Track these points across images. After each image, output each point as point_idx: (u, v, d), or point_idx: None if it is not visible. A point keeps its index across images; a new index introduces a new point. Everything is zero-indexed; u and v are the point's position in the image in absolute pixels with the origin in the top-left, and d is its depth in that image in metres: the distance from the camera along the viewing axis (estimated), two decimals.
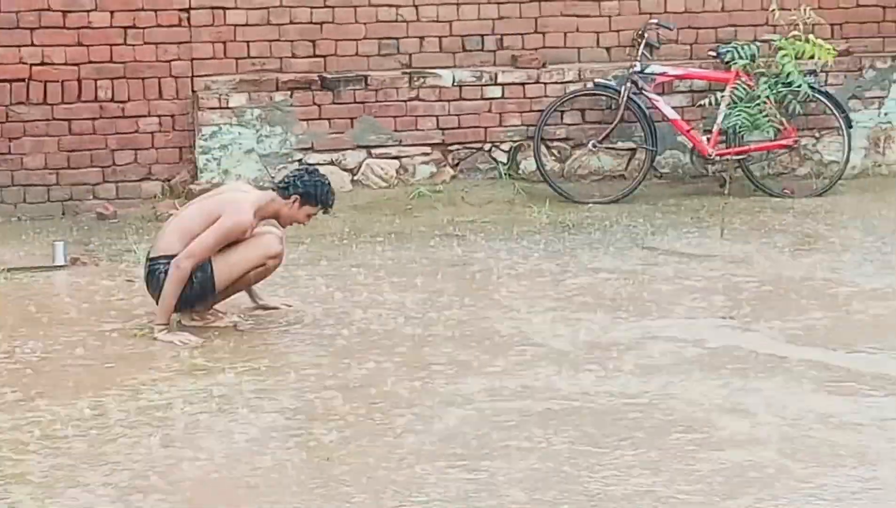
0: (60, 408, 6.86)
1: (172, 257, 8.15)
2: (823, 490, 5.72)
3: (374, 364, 7.56)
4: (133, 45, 11.53)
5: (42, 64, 11.37)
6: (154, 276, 8.24)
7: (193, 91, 11.63)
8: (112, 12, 11.45)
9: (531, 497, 5.67)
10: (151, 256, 8.34)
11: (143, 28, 11.50)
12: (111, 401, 6.98)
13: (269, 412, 6.79)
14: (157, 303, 8.27)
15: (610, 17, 12.31)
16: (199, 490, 5.95)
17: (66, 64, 11.42)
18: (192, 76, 11.65)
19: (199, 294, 8.28)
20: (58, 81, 11.42)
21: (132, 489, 5.84)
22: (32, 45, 11.34)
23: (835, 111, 12.10)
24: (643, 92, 11.85)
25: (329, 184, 8.54)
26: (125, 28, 11.50)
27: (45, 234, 10.70)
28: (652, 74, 11.88)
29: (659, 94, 11.95)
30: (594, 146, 12.04)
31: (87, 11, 11.41)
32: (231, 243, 8.22)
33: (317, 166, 8.63)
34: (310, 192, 8.36)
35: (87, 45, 11.44)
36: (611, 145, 12.10)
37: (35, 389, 7.18)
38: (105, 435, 6.48)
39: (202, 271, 8.18)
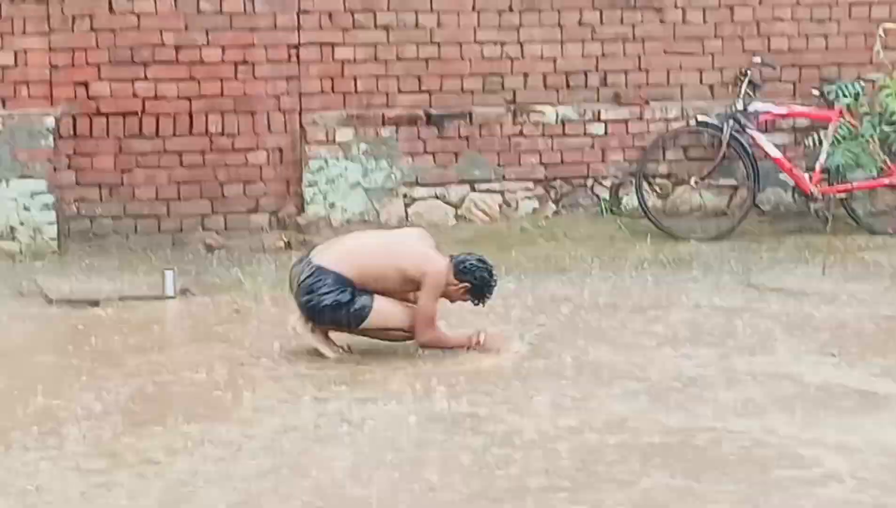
0: (169, 433, 6.98)
1: (336, 274, 8.21)
2: None
3: (478, 398, 7.62)
4: (243, 80, 11.60)
5: (155, 98, 11.48)
6: (317, 283, 8.24)
7: (301, 125, 11.71)
8: (223, 48, 11.54)
9: None
10: (317, 263, 8.31)
11: (254, 63, 11.58)
12: (220, 426, 7.09)
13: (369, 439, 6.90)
14: (296, 302, 8.36)
15: (713, 54, 12.29)
16: None
17: (178, 98, 11.52)
18: (301, 110, 11.73)
19: (346, 322, 8.33)
20: (170, 115, 11.51)
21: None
22: (146, 79, 11.44)
23: None
24: (746, 130, 11.82)
25: (495, 286, 8.60)
26: (236, 63, 11.58)
27: (156, 264, 10.73)
28: (755, 111, 11.86)
29: (761, 131, 11.90)
30: (696, 183, 12.05)
31: (199, 47, 11.49)
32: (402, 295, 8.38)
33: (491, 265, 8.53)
34: (481, 288, 8.45)
35: (199, 80, 11.53)
36: (713, 182, 12.09)
37: (146, 415, 7.30)
38: (213, 458, 6.59)
39: (363, 306, 8.25)
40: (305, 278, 8.28)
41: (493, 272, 8.51)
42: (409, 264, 8.33)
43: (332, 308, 8.24)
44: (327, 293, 8.23)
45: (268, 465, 6.60)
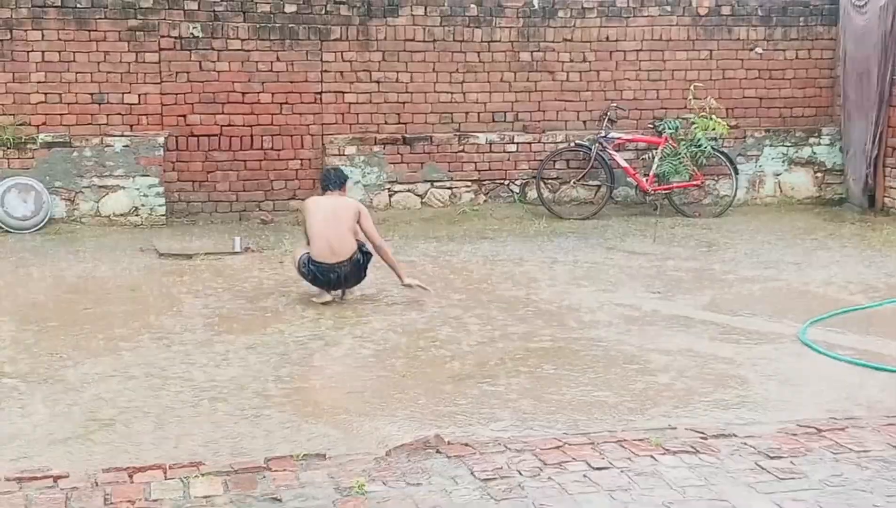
0: (232, 342, 7.07)
1: (350, 257, 7.98)
2: (715, 402, 5.96)
3: (432, 315, 7.71)
4: (286, 115, 11.69)
5: (228, 125, 11.55)
6: (357, 267, 8.07)
7: (323, 144, 11.79)
8: (272, 93, 11.62)
9: (531, 404, 5.91)
10: (339, 260, 7.97)
11: (293, 103, 11.67)
12: (266, 337, 7.18)
13: (369, 348, 7.01)
14: (338, 287, 8.09)
15: (585, 101, 12.42)
16: (320, 394, 6.21)
17: (243, 125, 11.60)
18: (322, 134, 11.81)
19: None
20: (238, 137, 11.60)
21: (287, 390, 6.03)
22: (223, 113, 11.52)
23: (728, 163, 12.22)
24: (606, 149, 11.98)
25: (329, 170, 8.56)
26: (281, 104, 11.67)
27: (228, 232, 10.81)
28: (612, 137, 12.00)
29: (616, 150, 12.05)
30: (574, 183, 12.19)
31: (257, 92, 11.59)
32: None
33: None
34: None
35: (257, 114, 11.61)
36: (585, 183, 12.22)
37: (219, 330, 7.38)
38: (261, 359, 6.66)
39: (369, 258, 8.16)
40: (347, 274, 8.06)
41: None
42: (352, 213, 8.10)
43: (361, 277, 8.22)
44: (359, 271, 8.19)
45: (296, 358, 6.72)
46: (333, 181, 8.36)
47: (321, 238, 8.05)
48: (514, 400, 5.88)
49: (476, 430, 5.35)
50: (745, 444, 4.76)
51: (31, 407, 5.69)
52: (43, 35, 11.03)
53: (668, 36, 12.50)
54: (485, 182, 12.16)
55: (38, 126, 11.04)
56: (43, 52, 11.06)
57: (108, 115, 11.22)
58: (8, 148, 10.77)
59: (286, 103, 11.64)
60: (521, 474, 4.42)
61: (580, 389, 6.11)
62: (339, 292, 8.23)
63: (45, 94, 11.08)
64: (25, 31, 10.98)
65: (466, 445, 4.80)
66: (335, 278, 8.07)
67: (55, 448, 5.10)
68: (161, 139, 11.14)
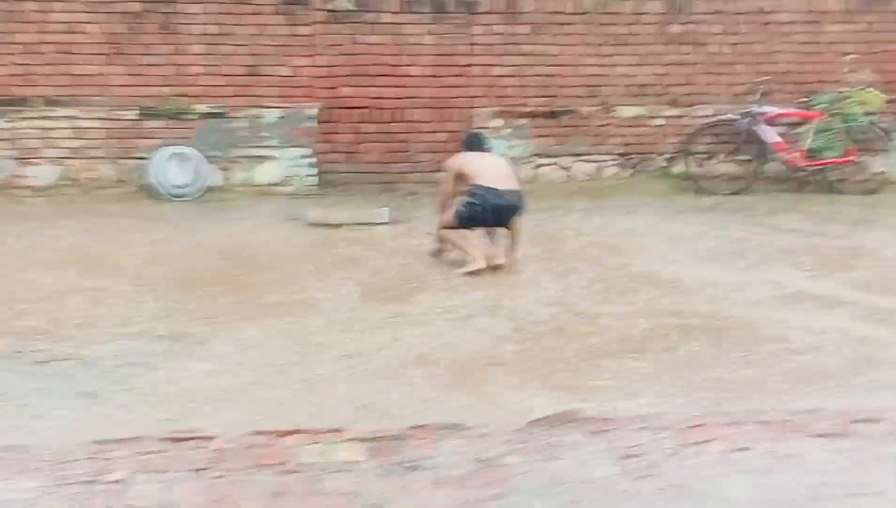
0: (378, 311, 7.13)
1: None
2: (864, 384, 5.76)
3: (575, 289, 7.64)
4: (434, 88, 11.70)
5: (378, 98, 11.63)
6: (521, 204, 8.24)
7: (469, 117, 11.77)
8: (421, 66, 11.64)
9: (674, 381, 5.80)
10: (510, 188, 8.14)
11: (441, 76, 11.67)
12: (412, 307, 7.24)
13: (513, 320, 6.98)
14: (502, 218, 8.15)
15: (737, 74, 12.10)
16: (463, 364, 6.22)
17: (393, 98, 11.65)
18: (469, 107, 11.78)
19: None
20: (387, 109, 11.66)
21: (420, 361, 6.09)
22: (373, 87, 11.60)
23: (884, 138, 11.77)
24: (757, 123, 11.68)
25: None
26: (429, 77, 11.68)
27: (375, 203, 10.91)
28: (763, 111, 11.69)
29: (767, 124, 11.73)
30: (723, 158, 11.92)
31: (407, 65, 11.62)
32: None
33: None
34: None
35: (406, 87, 11.65)
36: (734, 158, 11.94)
37: (365, 298, 7.44)
38: (406, 328, 6.71)
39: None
40: (517, 203, 8.18)
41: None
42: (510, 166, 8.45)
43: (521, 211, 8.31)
44: (521, 207, 8.27)
45: (443, 325, 6.76)
46: (481, 144, 8.42)
47: (487, 172, 8.14)
48: (657, 377, 5.80)
49: (618, 405, 5.28)
50: None
51: (183, 370, 5.85)
52: (202, 8, 11.27)
53: (824, 7, 12.07)
54: (631, 156, 11.99)
55: (196, 97, 11.30)
56: (202, 24, 11.30)
57: (262, 87, 11.39)
58: (168, 118, 11.08)
59: (434, 76, 11.63)
60: (660, 452, 4.34)
61: (724, 367, 5.98)
62: (490, 236, 8.28)
63: (204, 66, 11.32)
64: (186, 4, 11.23)
65: (607, 420, 4.74)
66: (503, 204, 8.07)
67: (206, 409, 5.23)
68: (314, 111, 11.30)
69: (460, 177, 8.28)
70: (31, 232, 9.31)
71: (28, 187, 10.97)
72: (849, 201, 11.31)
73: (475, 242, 8.34)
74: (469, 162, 8.34)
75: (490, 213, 8.10)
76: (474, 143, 8.63)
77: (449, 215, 8.29)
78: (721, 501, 3.91)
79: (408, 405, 5.34)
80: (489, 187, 8.07)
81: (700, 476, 4.12)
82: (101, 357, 6.00)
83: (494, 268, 8.21)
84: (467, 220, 8.17)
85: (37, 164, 11.07)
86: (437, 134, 11.72)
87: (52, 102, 11.08)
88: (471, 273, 8.03)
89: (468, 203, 8.14)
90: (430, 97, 11.67)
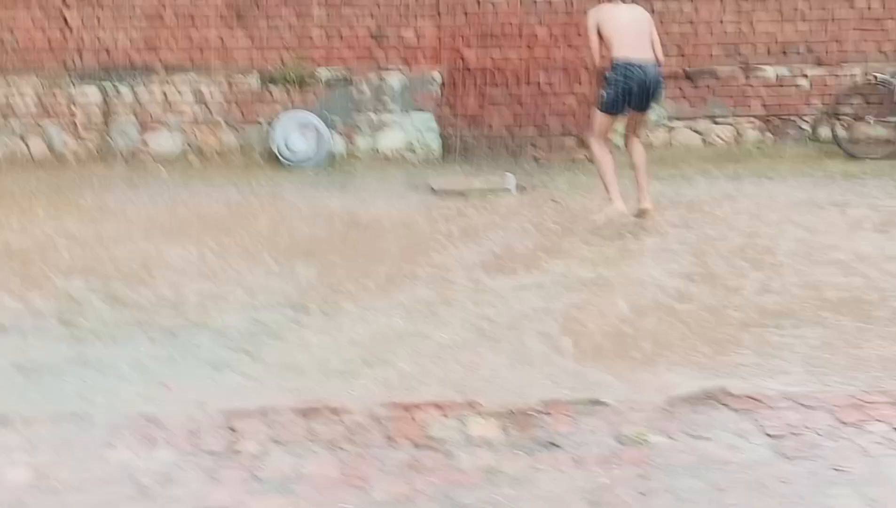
0: (508, 281, 7.10)
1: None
2: None
3: (710, 259, 7.50)
4: (562, 49, 11.59)
5: (504, 60, 11.57)
6: (659, 77, 8.13)
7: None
8: (549, 27, 11.54)
9: (824, 357, 5.64)
10: (647, 58, 7.97)
11: (570, 37, 11.53)
12: (542, 277, 7.18)
13: (646, 292, 6.87)
14: (640, 100, 8.04)
15: (887, 30, 11.71)
16: (597, 337, 6.14)
17: (519, 59, 11.59)
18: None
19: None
20: (513, 72, 11.60)
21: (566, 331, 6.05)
22: (497, 48, 11.55)
23: None
24: None
25: None
26: (557, 37, 11.57)
27: (501, 169, 10.89)
28: None
29: None
30: (871, 121, 11.56)
31: (534, 26, 11.55)
32: None
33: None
34: None
35: (532, 48, 11.58)
36: (884, 120, 11.57)
37: (493, 268, 7.42)
38: (536, 299, 6.65)
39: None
40: (653, 79, 8.05)
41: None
42: (650, 24, 8.25)
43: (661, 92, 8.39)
44: (660, 84, 8.22)
45: (575, 297, 6.67)
46: None
47: (626, 35, 7.97)
48: (805, 353, 5.63)
49: (763, 383, 5.14)
50: None
51: (311, 340, 5.91)
52: None
53: None
54: (772, 119, 11.72)
55: (318, 62, 11.39)
56: None
57: (385, 50, 11.42)
58: (291, 84, 11.20)
59: (563, 36, 11.51)
60: (815, 433, 4.22)
61: (879, 342, 5.79)
62: (641, 114, 8.19)
63: (325, 29, 11.39)
64: None
65: (754, 399, 4.63)
66: (643, 79, 7.94)
67: (334, 381, 5.28)
68: (437, 75, 11.30)
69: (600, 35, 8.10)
70: (156, 201, 9.53)
71: (151, 156, 11.22)
72: None
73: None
74: (607, 18, 8.07)
75: (634, 95, 7.95)
76: None
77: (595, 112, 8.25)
78: (886, 485, 3.78)
79: (541, 379, 5.29)
80: (626, 64, 7.90)
81: (861, 457, 3.99)
82: (228, 327, 6.10)
83: (641, 214, 8.23)
84: (612, 105, 8.02)
85: (159, 132, 11.31)
86: (566, 97, 11.65)
87: (173, 69, 11.29)
88: (609, 220, 8.06)
89: (611, 82, 7.96)
90: (558, 59, 11.56)
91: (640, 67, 7.94)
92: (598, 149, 8.28)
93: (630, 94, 7.97)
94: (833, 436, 4.19)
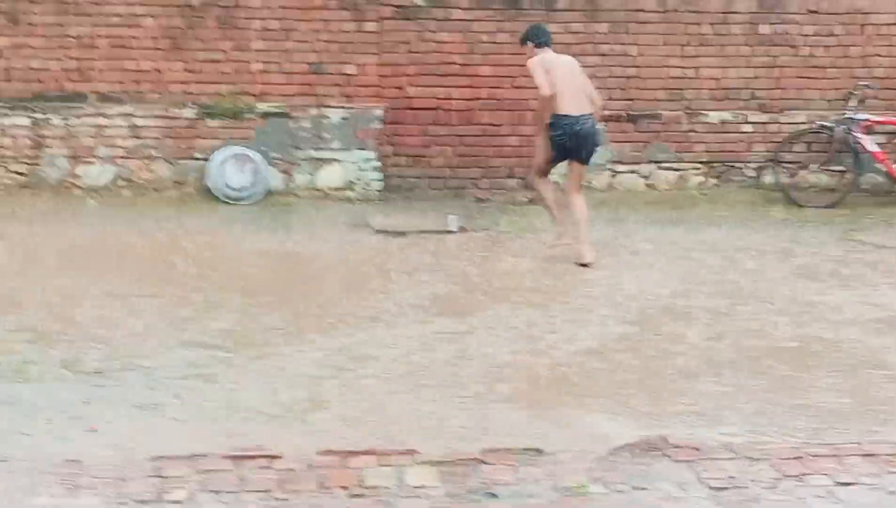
0: (447, 325, 7.07)
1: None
2: None
3: (656, 305, 7.57)
4: (506, 88, 11.61)
5: (447, 99, 11.58)
6: (595, 129, 8.70)
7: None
8: (494, 66, 11.57)
9: (764, 407, 5.68)
10: (584, 113, 8.55)
11: (514, 77, 11.51)
12: (482, 321, 7.14)
13: (587, 338, 6.90)
14: (580, 148, 8.60)
15: (831, 78, 11.91)
16: (535, 383, 6.11)
17: (463, 99, 11.59)
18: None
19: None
20: (457, 110, 11.61)
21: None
22: (441, 87, 11.56)
23: None
24: (853, 131, 11.48)
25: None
26: (502, 77, 11.61)
27: (443, 210, 10.85)
28: (860, 119, 11.49)
29: (865, 133, 11.52)
30: (816, 168, 11.74)
31: (478, 65, 11.57)
32: None
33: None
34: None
35: (477, 87, 11.59)
36: (827, 168, 11.74)
37: (434, 311, 7.41)
38: (476, 344, 6.68)
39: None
40: (590, 131, 8.63)
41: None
42: (583, 73, 8.91)
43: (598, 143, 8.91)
44: (597, 135, 8.82)
45: (513, 342, 6.68)
46: (548, 37, 8.89)
47: (566, 88, 8.56)
48: (745, 403, 5.70)
49: (703, 433, 5.19)
50: None
51: (244, 382, 5.86)
52: (264, 2, 11.32)
53: None
54: (715, 164, 11.87)
55: (257, 96, 11.36)
56: (264, 19, 11.35)
57: (326, 85, 11.42)
58: (227, 117, 11.16)
59: (508, 77, 11.56)
60: (758, 485, 4.27)
61: (820, 394, 5.87)
62: (581, 165, 8.75)
63: (265, 62, 11.38)
64: None
65: (695, 449, 4.67)
66: (581, 131, 8.54)
67: (268, 426, 5.23)
68: (379, 112, 11.31)
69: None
70: (83, 235, 9.41)
71: (82, 188, 11.09)
72: None
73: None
74: (555, 67, 8.70)
75: (572, 149, 8.60)
76: (543, 38, 8.97)
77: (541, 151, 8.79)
78: None
79: (478, 427, 5.29)
80: (566, 116, 8.54)
81: None
82: (157, 368, 6.03)
83: (583, 266, 8.48)
84: (560, 143, 8.60)
85: (91, 163, 11.20)
86: (510, 138, 11.67)
87: (106, 99, 11.21)
88: (556, 245, 8.78)
89: (552, 137, 8.61)
90: (503, 99, 11.60)
91: (577, 120, 8.59)
92: (542, 185, 9.01)
93: (568, 148, 8.63)
94: (774, 489, 4.23)
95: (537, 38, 8.98)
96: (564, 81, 8.58)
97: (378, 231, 9.87)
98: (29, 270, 8.22)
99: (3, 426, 5.09)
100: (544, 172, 9.01)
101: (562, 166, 9.14)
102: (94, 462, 4.42)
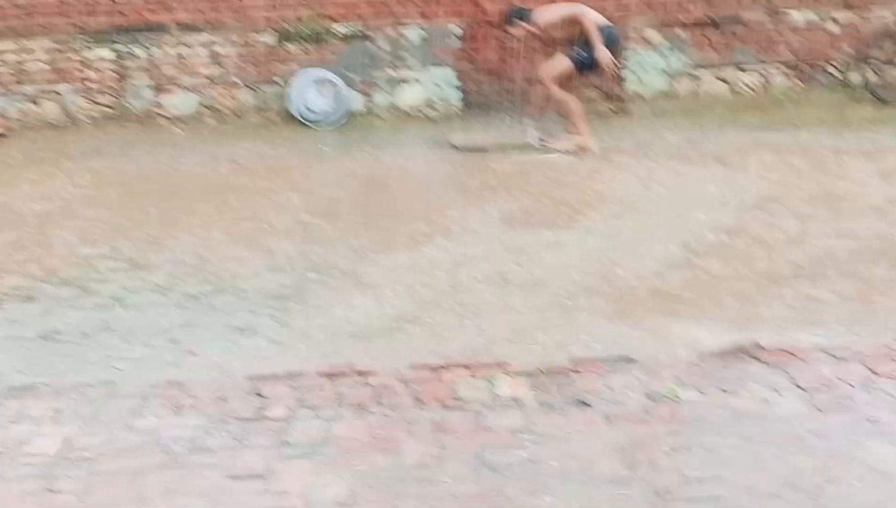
0: (532, 238, 7.06)
1: None
2: None
3: (741, 209, 7.50)
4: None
5: None
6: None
7: (624, 29, 11.51)
8: None
9: (857, 308, 5.63)
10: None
11: None
12: (566, 233, 7.16)
13: (672, 244, 6.86)
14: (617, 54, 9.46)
15: None
16: (623, 293, 6.12)
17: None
18: (623, 16, 11.53)
19: None
20: None
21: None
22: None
23: None
24: None
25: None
26: None
27: (522, 125, 10.80)
28: None
29: None
30: None
31: None
32: None
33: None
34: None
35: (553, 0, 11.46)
36: None
37: (517, 225, 7.43)
38: (562, 256, 6.66)
39: None
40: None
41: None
42: None
43: None
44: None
45: (599, 251, 6.68)
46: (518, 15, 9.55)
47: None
48: (838, 304, 5.64)
49: (795, 336, 5.16)
50: None
51: (334, 302, 5.95)
52: None
53: None
54: (801, 65, 11.61)
55: (334, 18, 11.35)
56: None
57: (402, 4, 11.36)
58: (307, 41, 11.19)
59: None
60: (849, 385, 4.25)
61: None
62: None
63: None
64: None
65: (786, 352, 4.66)
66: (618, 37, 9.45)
67: (361, 343, 5.31)
68: (456, 28, 11.23)
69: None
70: (173, 163, 9.57)
71: (167, 117, 11.25)
72: None
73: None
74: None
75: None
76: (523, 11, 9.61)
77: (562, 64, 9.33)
78: None
79: (569, 337, 5.31)
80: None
81: (895, 410, 4.02)
82: (251, 290, 6.14)
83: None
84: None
85: (174, 92, 11.33)
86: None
87: (187, 29, 11.30)
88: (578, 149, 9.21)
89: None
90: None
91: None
92: (562, 93, 9.52)
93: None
94: (867, 388, 4.22)
95: (521, 12, 9.67)
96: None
97: (459, 148, 9.86)
98: (121, 198, 8.39)
99: (105, 352, 5.25)
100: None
101: None
102: (195, 384, 4.55)
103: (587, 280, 6.17)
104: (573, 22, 9.27)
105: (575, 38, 9.27)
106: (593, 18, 9.23)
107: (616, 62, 9.41)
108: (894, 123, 10.33)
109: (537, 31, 9.48)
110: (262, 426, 4.14)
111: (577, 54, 9.24)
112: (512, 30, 9.67)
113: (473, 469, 3.77)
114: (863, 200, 7.70)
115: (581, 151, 9.36)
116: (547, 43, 9.65)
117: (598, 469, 3.73)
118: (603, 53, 9.14)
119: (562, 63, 9.37)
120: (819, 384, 4.28)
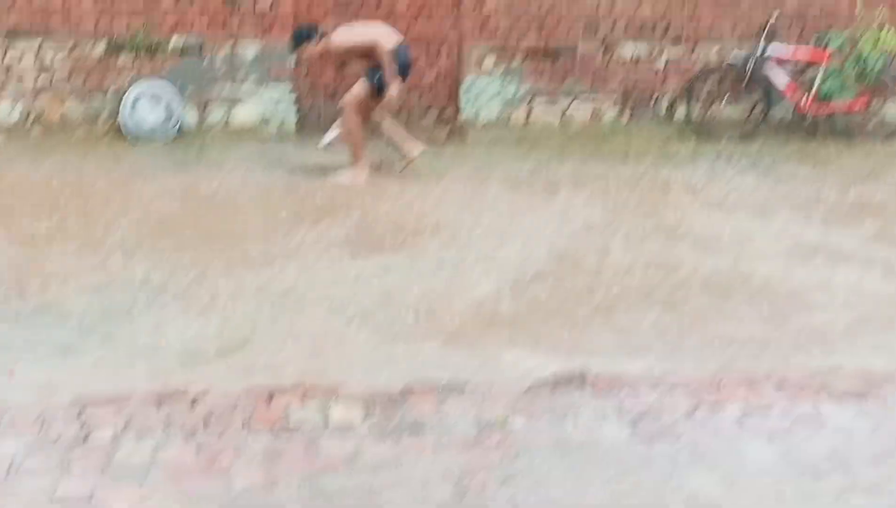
0: (367, 262, 7.09)
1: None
2: (881, 344, 5.72)
3: (572, 239, 7.66)
4: (422, 23, 11.56)
5: None
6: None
7: (459, 55, 11.68)
8: (409, 2, 11.50)
9: (681, 338, 5.79)
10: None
11: (431, 7, 11.48)
12: (401, 258, 7.18)
13: (506, 274, 6.93)
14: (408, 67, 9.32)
15: (743, 12, 12.02)
16: (457, 319, 6.18)
17: None
18: (460, 44, 11.68)
19: None
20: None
21: None
22: (357, 17, 11.43)
23: None
24: (763, 65, 11.59)
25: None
26: (417, 11, 11.55)
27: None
28: (771, 52, 11.61)
29: (775, 67, 11.65)
30: (726, 102, 11.86)
31: (394, 2, 11.49)
32: None
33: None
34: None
35: (393, 21, 11.40)
36: (738, 102, 11.87)
37: (354, 249, 7.44)
38: (396, 280, 6.66)
39: None
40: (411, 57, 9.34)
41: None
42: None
43: None
44: None
45: (435, 277, 6.70)
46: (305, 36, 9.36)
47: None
48: (663, 334, 5.79)
49: (622, 364, 5.28)
50: None
51: (166, 323, 5.83)
52: None
53: None
54: (630, 98, 11.94)
55: (169, 31, 11.16)
56: None
57: (240, 19, 11.25)
58: (140, 52, 10.96)
59: (422, 11, 11.50)
60: (674, 414, 4.38)
61: (733, 324, 5.98)
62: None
63: None
64: None
65: (615, 380, 4.77)
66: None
67: (191, 365, 5.22)
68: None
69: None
70: None
71: None
72: (860, 148, 11.28)
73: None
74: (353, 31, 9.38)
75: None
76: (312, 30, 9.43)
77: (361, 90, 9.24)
78: (740, 465, 3.95)
79: (402, 363, 5.33)
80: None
81: (716, 438, 4.16)
82: (76, 309, 5.96)
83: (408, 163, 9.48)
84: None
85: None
86: (425, 73, 11.61)
87: (14, 34, 10.95)
88: (352, 182, 9.17)
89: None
90: (418, 34, 11.54)
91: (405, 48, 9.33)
92: (353, 122, 9.40)
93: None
94: (692, 417, 4.35)
95: (311, 32, 9.43)
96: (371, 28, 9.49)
97: (293, 168, 9.80)
98: None
99: None
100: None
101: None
102: (19, 404, 4.39)
103: (420, 306, 6.20)
104: (370, 48, 9.11)
105: (372, 61, 9.14)
106: (387, 43, 9.07)
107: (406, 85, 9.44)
108: (714, 158, 10.67)
109: (327, 53, 9.32)
110: (85, 450, 4.02)
111: (375, 79, 9.14)
112: (301, 53, 9.46)
113: (304, 495, 3.75)
114: (687, 230, 7.94)
115: (354, 181, 9.27)
116: (340, 65, 9.87)
117: (429, 496, 3.76)
118: (394, 86, 9.06)
119: (362, 88, 9.25)
120: (645, 413, 4.40)
